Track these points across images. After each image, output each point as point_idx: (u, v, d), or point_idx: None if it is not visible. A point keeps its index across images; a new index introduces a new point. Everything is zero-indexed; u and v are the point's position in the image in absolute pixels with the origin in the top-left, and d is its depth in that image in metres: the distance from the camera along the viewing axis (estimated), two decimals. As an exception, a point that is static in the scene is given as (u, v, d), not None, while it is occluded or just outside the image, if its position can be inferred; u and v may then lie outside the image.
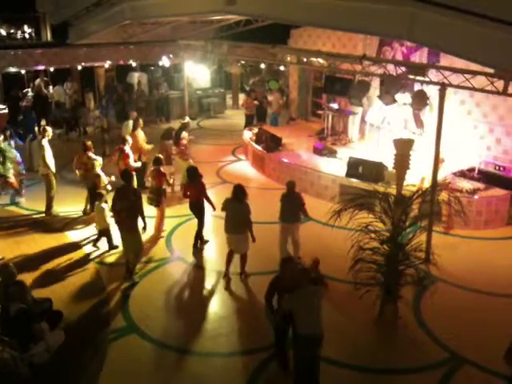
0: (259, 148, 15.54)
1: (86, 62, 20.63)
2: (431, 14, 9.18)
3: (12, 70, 19.48)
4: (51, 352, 7.05)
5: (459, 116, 13.09)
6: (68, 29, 19.20)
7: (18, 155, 13.29)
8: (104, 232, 10.46)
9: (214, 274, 9.65)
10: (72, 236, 11.18)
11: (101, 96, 21.94)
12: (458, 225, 10.31)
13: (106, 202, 10.74)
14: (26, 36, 20.80)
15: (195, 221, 10.65)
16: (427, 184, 10.62)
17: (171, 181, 11.75)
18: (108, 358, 7.37)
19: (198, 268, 9.90)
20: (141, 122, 13.82)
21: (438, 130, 9.59)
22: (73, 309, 8.43)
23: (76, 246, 10.70)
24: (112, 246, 10.45)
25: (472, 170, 12.32)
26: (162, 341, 7.76)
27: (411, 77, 11.00)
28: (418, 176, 11.49)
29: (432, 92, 10.86)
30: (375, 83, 13.38)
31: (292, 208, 9.62)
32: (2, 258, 9.89)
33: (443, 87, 9.43)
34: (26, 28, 20.75)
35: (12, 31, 20.72)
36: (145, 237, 10.77)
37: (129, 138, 12.50)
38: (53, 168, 12.00)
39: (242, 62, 16.77)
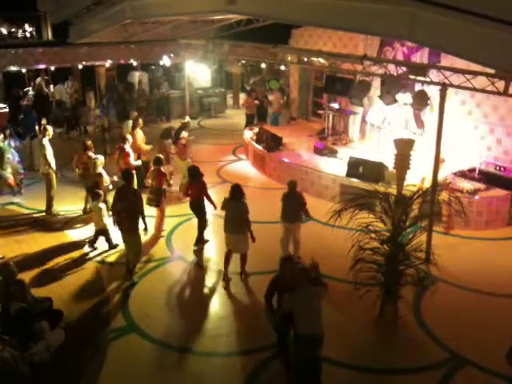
0: (260, 148, 15.54)
1: (87, 61, 20.63)
2: (432, 14, 9.17)
3: (13, 68, 19.49)
4: (51, 351, 7.06)
5: (460, 116, 13.08)
6: (69, 28, 19.20)
7: (16, 155, 13.27)
8: (102, 232, 10.46)
9: (215, 273, 9.66)
10: (72, 235, 11.18)
11: (101, 95, 21.96)
12: (458, 225, 10.31)
13: (103, 201, 10.74)
14: (27, 35, 20.80)
15: (195, 220, 10.66)
16: (428, 184, 10.62)
17: (171, 181, 11.75)
18: (108, 358, 7.37)
19: (199, 267, 9.90)
20: (140, 121, 13.82)
21: (439, 130, 9.59)
22: (73, 308, 8.43)
23: (76, 245, 10.70)
24: (112, 246, 10.46)
25: (472, 170, 12.32)
26: (162, 340, 7.76)
27: (412, 77, 11.01)
28: (418, 176, 11.50)
29: (433, 92, 10.86)
30: (376, 83, 13.37)
31: (293, 208, 9.62)
32: (3, 256, 9.89)
33: (444, 87, 9.43)
34: (26, 27, 20.75)
35: (13, 30, 20.72)
36: (145, 237, 10.78)
37: (129, 137, 12.52)
38: (54, 167, 12.01)
39: (243, 62, 16.78)
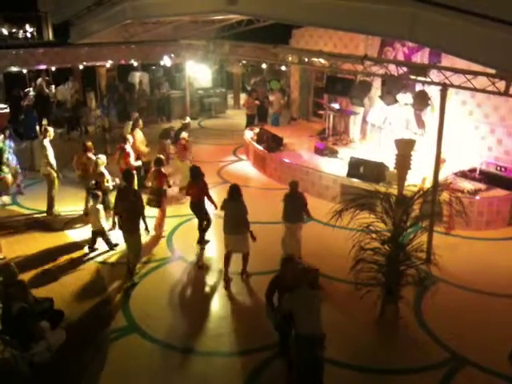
0: (260, 148, 15.54)
1: (88, 61, 20.64)
2: (432, 14, 9.17)
3: (14, 69, 19.50)
4: (52, 351, 7.05)
5: (460, 116, 13.08)
6: (69, 28, 19.19)
7: (15, 158, 13.21)
8: (99, 233, 10.46)
9: (215, 273, 9.66)
10: (73, 235, 11.19)
11: (102, 95, 21.96)
12: (459, 225, 10.30)
13: (102, 202, 10.74)
14: (28, 35, 20.80)
15: (196, 221, 10.67)
16: (428, 184, 10.62)
17: (171, 182, 11.75)
18: (109, 358, 7.38)
19: (199, 268, 9.90)
20: (140, 122, 13.83)
21: (440, 130, 9.59)
22: (74, 308, 8.44)
23: (77, 245, 10.70)
24: (111, 246, 10.47)
25: (473, 170, 12.32)
26: (163, 340, 7.76)
27: (413, 77, 11.01)
28: (419, 176, 11.49)
29: (433, 92, 10.86)
30: (377, 83, 13.37)
31: (295, 208, 9.62)
32: (4, 257, 9.90)
33: (444, 88, 9.43)
34: (27, 27, 20.74)
35: (14, 30, 20.71)
36: (146, 237, 10.78)
37: (130, 137, 12.52)
38: (55, 168, 12.03)
39: (244, 62, 16.79)
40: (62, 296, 8.70)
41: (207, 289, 9.28)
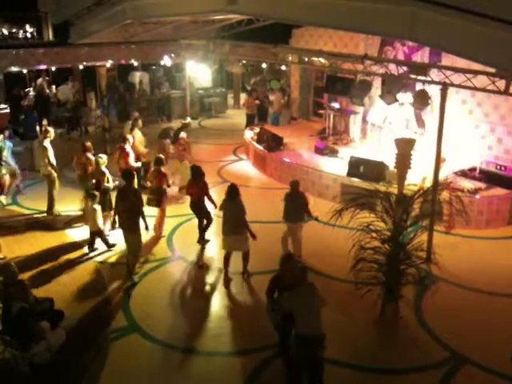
0: (260, 148, 15.54)
1: (88, 61, 20.64)
2: (432, 14, 9.17)
3: (14, 69, 19.49)
4: (52, 351, 7.06)
5: (460, 115, 13.07)
6: (69, 28, 19.20)
7: (13, 160, 13.19)
8: (97, 233, 10.46)
9: (215, 273, 9.66)
10: (73, 235, 11.19)
11: (102, 95, 21.96)
12: (459, 224, 10.30)
13: (100, 202, 10.75)
14: (28, 35, 20.78)
15: (196, 220, 10.67)
16: (428, 183, 10.62)
17: (170, 181, 11.75)
18: (109, 358, 7.37)
19: (199, 267, 9.90)
20: (139, 122, 13.82)
21: (440, 129, 9.59)
22: (74, 308, 8.44)
23: (77, 245, 10.70)
24: (109, 246, 10.47)
25: (473, 169, 12.32)
26: (163, 340, 7.76)
27: (413, 76, 11.00)
28: (419, 175, 11.49)
29: (433, 91, 10.85)
30: (377, 83, 13.36)
31: (296, 208, 9.63)
32: (4, 257, 9.90)
33: (445, 87, 9.42)
34: (27, 27, 20.73)
35: (14, 30, 20.70)
36: (146, 237, 10.78)
37: (130, 137, 12.52)
38: (56, 168, 12.04)
39: (244, 62, 16.77)
40: (62, 296, 8.70)
41: (207, 288, 9.28)
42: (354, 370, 7.15)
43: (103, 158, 11.29)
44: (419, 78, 10.72)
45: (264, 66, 18.54)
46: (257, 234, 9.17)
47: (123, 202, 9.15)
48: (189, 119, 15.34)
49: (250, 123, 19.04)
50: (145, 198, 10.48)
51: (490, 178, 11.94)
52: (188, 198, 10.86)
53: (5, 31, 20.39)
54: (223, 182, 14.25)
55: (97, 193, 10.71)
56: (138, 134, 13.44)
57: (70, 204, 12.47)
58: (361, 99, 12.84)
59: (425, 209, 8.60)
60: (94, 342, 7.69)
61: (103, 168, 11.17)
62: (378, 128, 14.96)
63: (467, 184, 11.58)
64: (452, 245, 10.33)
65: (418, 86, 12.18)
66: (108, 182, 11.12)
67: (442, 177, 9.74)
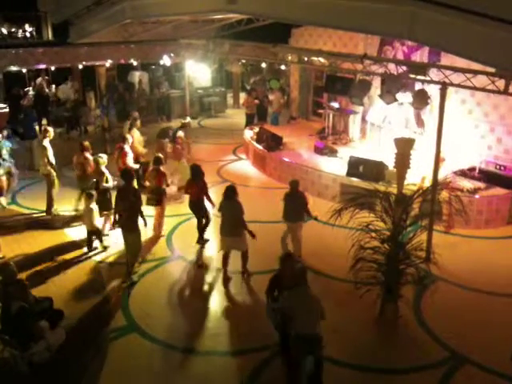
0: (260, 147, 15.54)
1: (87, 60, 20.62)
2: (432, 13, 9.18)
3: (13, 68, 19.47)
4: (52, 351, 7.05)
5: (460, 115, 13.08)
6: (69, 28, 19.21)
7: (11, 159, 13.14)
8: (94, 233, 10.45)
9: (215, 272, 9.66)
10: (72, 235, 11.18)
11: (102, 95, 21.95)
12: (458, 224, 10.29)
13: (99, 201, 10.75)
14: (27, 35, 20.75)
15: (195, 220, 10.66)
16: (428, 183, 10.62)
17: (169, 181, 11.74)
18: (109, 357, 7.37)
19: (199, 267, 9.90)
20: (138, 122, 13.82)
21: (439, 129, 9.59)
22: (73, 308, 8.43)
23: (76, 244, 10.70)
24: (103, 246, 10.46)
25: (473, 169, 12.32)
26: (162, 340, 7.76)
27: (412, 76, 10.99)
28: (418, 175, 11.49)
29: (433, 91, 10.85)
30: (376, 82, 13.35)
31: (295, 207, 9.63)
32: (3, 256, 9.90)
33: (444, 86, 9.42)
34: (27, 27, 20.70)
35: (13, 30, 20.67)
36: (145, 236, 10.76)
37: (129, 137, 12.53)
38: (56, 168, 12.04)
39: (243, 61, 16.75)
40: (61, 295, 8.70)
41: (207, 288, 9.28)
42: (353, 369, 7.15)
43: (103, 158, 11.27)
44: (418, 77, 10.71)
45: (263, 65, 18.53)
46: (256, 234, 9.16)
47: (123, 202, 9.15)
48: (188, 119, 15.34)
49: (249, 123, 19.04)
50: (144, 197, 10.46)
51: (489, 177, 11.94)
52: (186, 198, 10.84)
53: (4, 31, 20.35)
54: (223, 181, 14.25)
55: (94, 192, 10.70)
56: (136, 133, 13.45)
57: (69, 204, 12.46)
58: (360, 99, 12.83)
59: (424, 208, 8.60)
60: (93, 342, 7.69)
61: (103, 168, 11.16)
62: (378, 128, 14.96)
63: (467, 184, 11.58)
64: (451, 244, 10.33)
65: (418, 86, 12.18)
66: (107, 181, 11.11)
67: (441, 176, 9.74)
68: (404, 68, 11.23)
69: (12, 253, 10.16)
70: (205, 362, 7.34)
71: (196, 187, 10.39)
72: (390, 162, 11.24)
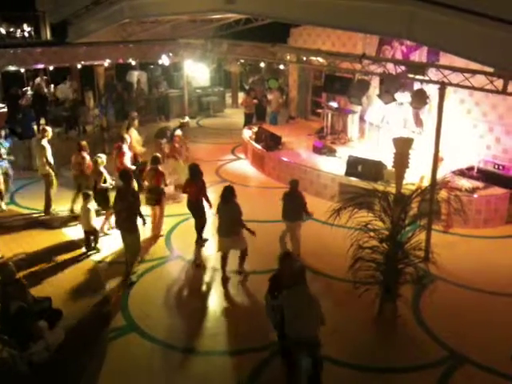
0: (259, 147, 15.54)
1: (86, 60, 20.59)
2: (431, 13, 9.18)
3: (11, 68, 19.44)
4: (51, 351, 7.06)
5: (459, 115, 13.08)
6: (67, 27, 19.20)
7: (7, 160, 13.09)
8: (90, 233, 10.45)
9: (214, 272, 9.65)
10: (71, 234, 11.17)
11: (100, 95, 21.91)
12: (457, 223, 10.31)
13: (102, 202, 10.75)
14: (26, 35, 20.71)
15: (193, 220, 10.65)
16: (426, 183, 10.62)
17: (168, 181, 11.74)
18: (108, 357, 7.37)
19: (197, 267, 9.89)
20: (136, 122, 13.81)
21: (438, 128, 9.59)
22: (72, 307, 8.43)
23: (75, 244, 10.69)
24: (96, 247, 10.45)
25: (471, 168, 12.33)
26: (161, 340, 7.76)
27: (411, 76, 11.00)
28: (417, 175, 11.49)
29: (431, 91, 10.85)
30: (375, 82, 13.38)
31: (294, 207, 9.64)
32: (2, 256, 9.89)
33: (443, 86, 9.43)
34: (25, 27, 20.66)
35: (11, 30, 20.63)
36: (145, 236, 10.77)
37: (127, 137, 12.52)
38: (54, 167, 12.02)
39: (242, 61, 16.79)
40: (60, 295, 8.69)
41: (205, 288, 9.28)
42: (352, 369, 7.15)
43: (102, 158, 11.25)
44: (417, 77, 10.72)
45: (262, 65, 18.51)
46: (255, 233, 9.16)
47: (122, 202, 9.15)
48: (187, 118, 15.33)
49: (248, 122, 19.04)
50: (142, 197, 10.45)
51: (488, 177, 11.96)
52: (184, 198, 10.82)
53: (2, 30, 20.32)
54: (221, 181, 14.25)
55: (90, 192, 10.70)
56: (134, 133, 13.44)
57: (67, 203, 12.44)
58: (359, 98, 12.86)
59: (423, 208, 8.61)
60: (92, 342, 7.68)
61: (101, 168, 11.15)
62: (376, 127, 14.97)
63: (465, 183, 11.59)
64: (450, 244, 10.34)
65: (416, 86, 12.20)
66: (105, 182, 11.11)
67: (440, 176, 9.75)
68: (403, 68, 11.24)
69: (10, 252, 10.15)
70: (204, 362, 7.34)
71: (195, 187, 10.36)
72: (388, 162, 11.23)
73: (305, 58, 13.46)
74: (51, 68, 21.26)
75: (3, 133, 13.63)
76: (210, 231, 10.88)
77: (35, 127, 16.88)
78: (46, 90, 20.64)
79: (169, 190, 12.36)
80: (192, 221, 10.77)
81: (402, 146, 9.40)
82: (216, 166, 15.87)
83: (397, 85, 11.00)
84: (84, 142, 12.07)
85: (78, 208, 11.44)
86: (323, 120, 17.06)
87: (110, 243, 10.67)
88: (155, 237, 11.02)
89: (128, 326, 8.06)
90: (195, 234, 10.62)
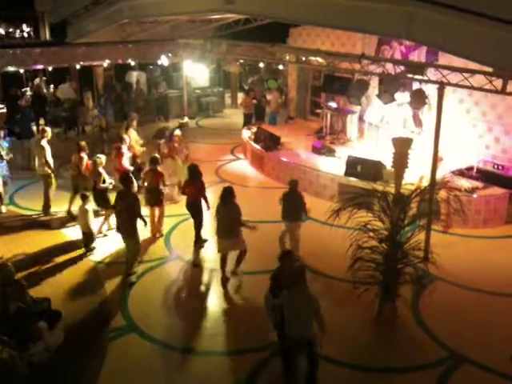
0: (258, 147, 15.54)
1: (85, 60, 20.57)
2: (430, 13, 9.19)
3: (10, 69, 19.43)
4: (50, 351, 7.06)
5: (458, 115, 13.09)
6: (67, 28, 19.19)
7: (5, 167, 13.07)
8: (87, 234, 10.44)
9: (213, 272, 9.65)
10: (70, 235, 11.16)
11: (99, 95, 21.91)
12: (456, 223, 10.30)
13: (101, 202, 10.75)
14: (25, 35, 20.72)
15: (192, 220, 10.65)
16: (426, 183, 10.62)
17: (167, 182, 11.73)
18: (107, 357, 7.37)
19: (197, 267, 9.89)
20: (134, 122, 13.81)
21: (437, 128, 9.60)
22: (72, 308, 8.42)
23: (74, 244, 10.68)
24: (90, 248, 10.43)
25: (471, 168, 12.34)
26: (161, 340, 7.76)
27: (410, 76, 11.01)
28: (416, 175, 11.50)
29: (431, 91, 10.86)
30: (374, 82, 13.38)
31: (293, 207, 9.64)
32: (1, 257, 9.88)
33: (442, 86, 9.44)
34: (24, 27, 20.67)
35: (11, 30, 20.64)
36: (144, 237, 10.75)
37: (126, 137, 12.52)
38: (53, 168, 12.02)
39: (241, 61, 16.78)
40: (59, 296, 8.69)
41: (205, 288, 9.28)
42: (352, 369, 7.15)
43: (101, 159, 11.24)
44: (416, 77, 10.73)
45: (261, 65, 18.49)
46: (254, 234, 9.17)
47: (123, 202, 9.17)
48: (186, 119, 15.33)
49: (247, 123, 19.03)
50: (142, 198, 10.43)
51: (487, 177, 11.96)
52: (182, 199, 10.79)
53: (1, 31, 20.32)
54: (221, 181, 14.25)
55: (88, 194, 10.70)
56: (132, 133, 13.44)
57: (66, 204, 12.43)
58: (358, 98, 12.86)
59: (422, 208, 8.61)
60: (92, 342, 7.68)
61: (100, 169, 11.14)
62: (376, 127, 14.98)
63: (464, 183, 11.60)
64: (449, 244, 10.34)
65: (415, 86, 12.21)
66: (104, 182, 11.10)
67: (439, 176, 9.75)
68: (402, 68, 11.24)
69: (9, 253, 10.13)
70: (204, 362, 7.35)
71: (194, 187, 10.32)
72: (387, 162, 11.23)
73: (304, 58, 13.46)
74: (50, 68, 21.26)
75: (2, 133, 13.62)
76: (210, 232, 10.88)
77: (34, 128, 16.87)
78: (45, 91, 20.67)
79: (171, 191, 12.39)
80: (191, 221, 10.76)
81: (402, 146, 9.40)
82: (215, 166, 15.86)
83: (396, 85, 11.00)
84: (83, 143, 12.07)
85: (75, 209, 11.44)
86: (322, 120, 17.05)
87: (109, 244, 10.66)
88: (155, 237, 11.01)
89: (128, 327, 8.06)
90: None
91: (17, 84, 20.89)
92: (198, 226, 10.54)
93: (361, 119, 16.03)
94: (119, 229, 9.31)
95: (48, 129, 12.43)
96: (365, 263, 7.74)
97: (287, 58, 14.15)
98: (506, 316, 8.31)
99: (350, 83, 12.95)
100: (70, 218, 11.81)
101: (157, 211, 11.15)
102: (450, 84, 9.66)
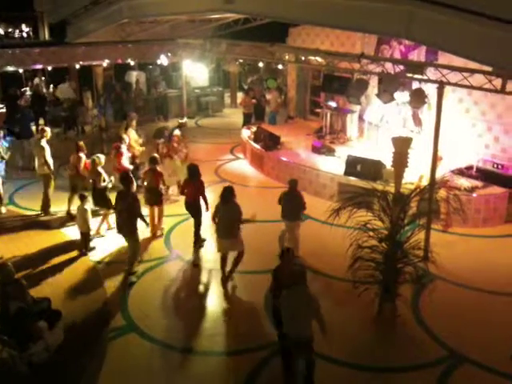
0: (258, 146, 15.54)
1: (84, 60, 20.56)
2: (429, 13, 9.19)
3: (10, 68, 19.43)
4: (50, 351, 7.06)
5: (457, 114, 13.09)
6: (66, 27, 19.17)
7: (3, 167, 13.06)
8: (85, 234, 10.43)
9: (213, 272, 9.65)
10: (69, 234, 11.16)
11: (99, 95, 21.90)
12: (456, 223, 10.30)
13: (101, 201, 10.74)
14: (24, 35, 20.75)
15: (192, 220, 10.63)
16: (425, 182, 10.63)
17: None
18: (107, 357, 7.36)
19: (196, 267, 9.89)
20: (134, 122, 13.80)
21: (436, 128, 9.60)
22: (72, 308, 8.42)
23: (73, 244, 10.67)
24: (87, 248, 10.43)
25: (470, 168, 12.34)
26: (161, 340, 7.76)
27: (409, 75, 11.02)
28: (416, 174, 11.51)
29: (430, 90, 10.87)
30: (373, 82, 13.38)
31: (293, 206, 9.64)
32: (1, 256, 9.87)
33: (441, 85, 9.44)
34: (23, 27, 20.70)
35: (10, 30, 20.67)
36: (144, 237, 10.75)
37: (125, 137, 12.51)
38: (52, 168, 12.01)
39: (241, 61, 16.79)
40: (59, 296, 8.69)
41: (205, 288, 9.28)
42: (352, 368, 7.15)
43: (100, 158, 11.23)
44: (416, 76, 10.74)
45: (261, 64, 18.52)
46: (253, 234, 9.20)
47: (123, 201, 9.18)
48: (185, 119, 15.33)
49: (246, 122, 19.03)
50: (141, 197, 10.43)
51: (486, 176, 11.97)
52: (180, 198, 10.79)
53: (1, 31, 20.35)
54: (221, 181, 14.25)
55: (86, 194, 10.69)
56: (132, 133, 13.45)
57: (65, 204, 12.43)
58: (358, 98, 12.86)
59: (422, 207, 8.61)
60: (91, 342, 7.68)
61: (99, 168, 11.14)
62: (375, 127, 14.98)
63: (464, 182, 11.60)
64: (449, 243, 10.34)
65: (415, 85, 12.19)
66: (104, 181, 11.09)
67: (439, 175, 9.76)
68: (401, 67, 11.24)
69: (9, 253, 10.12)
70: (204, 362, 7.35)
71: (193, 187, 10.29)
72: (387, 161, 11.24)
73: (303, 58, 13.46)
74: (50, 68, 21.25)
75: (1, 133, 13.62)
76: (209, 232, 10.88)
77: (34, 127, 16.86)
78: (44, 91, 20.66)
79: (173, 191, 12.39)
80: (191, 221, 10.76)
81: (401, 146, 9.40)
82: (215, 165, 15.86)
83: (395, 84, 11.00)
84: (81, 143, 12.06)
85: (74, 209, 11.43)
86: (322, 120, 17.05)
87: (109, 244, 10.66)
88: (154, 237, 11.01)
89: (127, 326, 8.06)
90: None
91: (16, 84, 20.88)
92: (198, 225, 10.54)
93: (360, 119, 16.03)
94: (119, 228, 9.31)
95: (47, 129, 12.42)
96: (365, 263, 7.75)
97: (286, 57, 14.15)
98: (506, 315, 8.31)
99: (350, 83, 12.95)
100: (69, 218, 11.81)
101: (156, 210, 11.15)
102: (449, 83, 9.66)
